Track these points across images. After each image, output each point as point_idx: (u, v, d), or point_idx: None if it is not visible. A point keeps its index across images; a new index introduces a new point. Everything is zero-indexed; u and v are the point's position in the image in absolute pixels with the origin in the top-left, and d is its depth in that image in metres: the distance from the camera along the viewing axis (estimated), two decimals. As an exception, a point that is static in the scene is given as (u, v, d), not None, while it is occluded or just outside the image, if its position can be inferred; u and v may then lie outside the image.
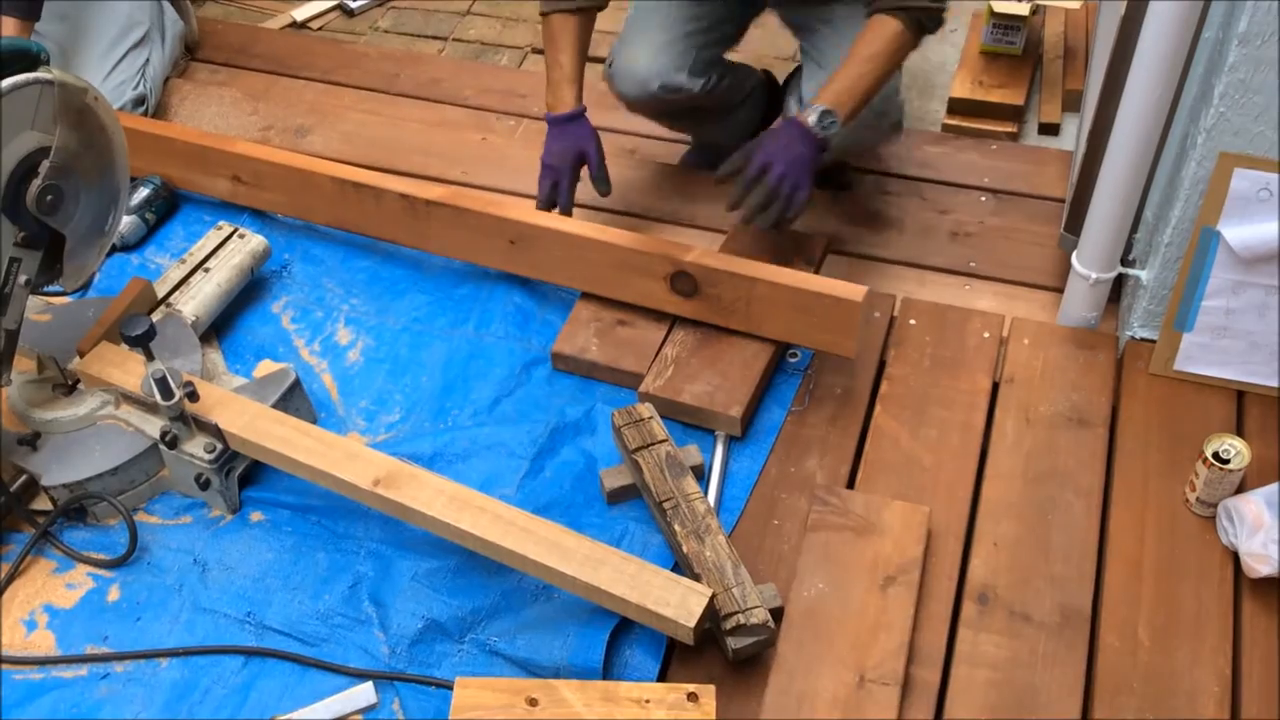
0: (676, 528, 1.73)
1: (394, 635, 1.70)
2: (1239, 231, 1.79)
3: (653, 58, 2.11)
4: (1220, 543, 1.75)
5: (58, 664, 1.70)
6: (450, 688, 1.59)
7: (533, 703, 1.55)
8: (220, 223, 2.21)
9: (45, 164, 1.68)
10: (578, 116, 2.08)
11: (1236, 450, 1.73)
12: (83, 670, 1.69)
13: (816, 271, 2.12)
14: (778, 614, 1.67)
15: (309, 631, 1.72)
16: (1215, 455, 1.73)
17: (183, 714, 1.64)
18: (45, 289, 1.83)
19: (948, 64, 2.96)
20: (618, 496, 1.85)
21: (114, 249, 2.26)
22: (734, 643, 1.63)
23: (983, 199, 2.40)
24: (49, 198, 1.69)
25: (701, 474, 1.87)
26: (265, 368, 2.09)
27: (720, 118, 2.32)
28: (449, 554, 1.76)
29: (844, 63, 1.93)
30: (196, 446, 1.81)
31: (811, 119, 1.89)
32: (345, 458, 1.75)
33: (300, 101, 2.71)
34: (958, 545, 1.78)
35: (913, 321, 2.10)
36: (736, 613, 1.62)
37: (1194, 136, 1.77)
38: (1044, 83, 2.83)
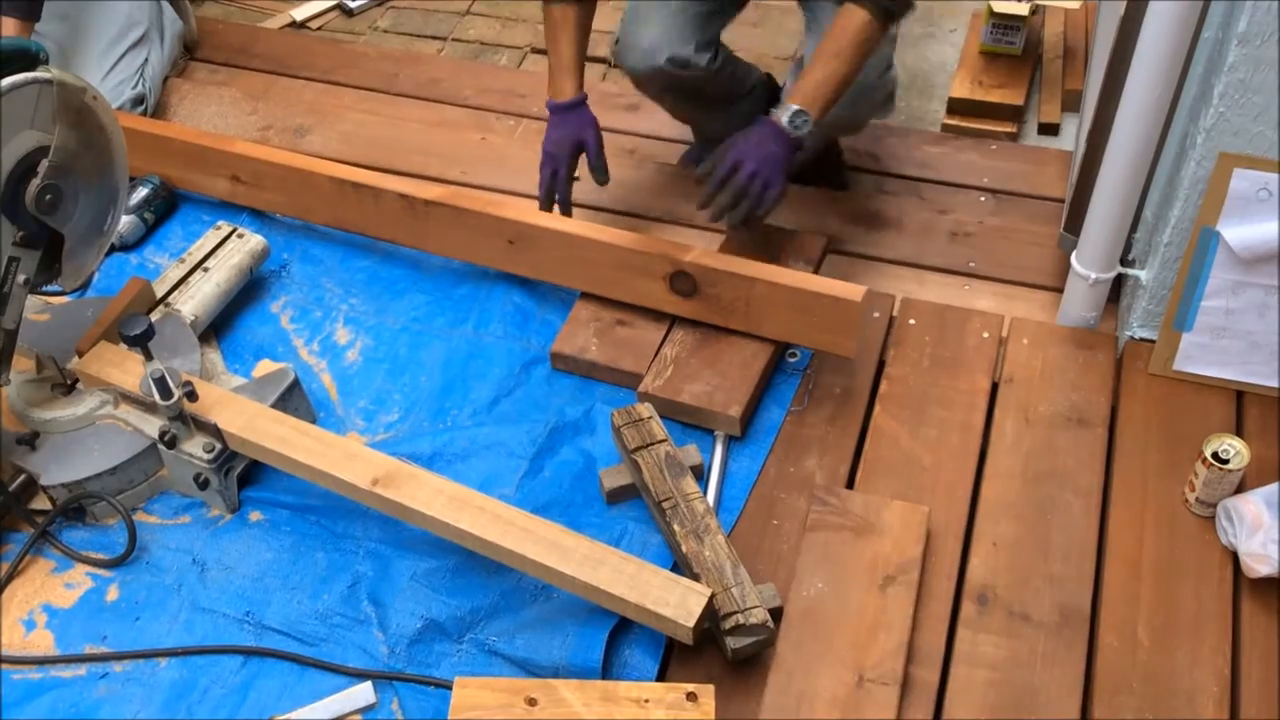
0: (676, 527, 1.73)
1: (393, 635, 1.70)
2: (1238, 231, 1.79)
3: (661, 31, 2.11)
4: (1219, 543, 1.75)
5: (56, 664, 1.70)
6: (449, 687, 1.59)
7: (532, 702, 1.55)
8: (219, 222, 2.21)
9: (44, 163, 1.68)
10: (578, 104, 2.09)
11: (1236, 450, 1.73)
12: (81, 670, 1.69)
13: (816, 271, 2.12)
14: (777, 614, 1.67)
15: (308, 631, 1.72)
16: (1214, 455, 1.72)
17: (181, 714, 1.64)
18: (44, 288, 1.83)
19: (947, 64, 2.96)
20: (617, 496, 1.85)
21: (113, 248, 2.26)
22: (733, 642, 1.63)
23: (982, 199, 2.40)
24: (48, 197, 1.69)
25: (701, 474, 1.87)
26: (264, 367, 2.09)
27: (724, 107, 2.32)
28: (448, 554, 1.76)
29: (813, 59, 1.93)
30: (195, 446, 1.81)
31: (784, 118, 1.90)
32: (344, 457, 1.75)
33: (299, 101, 2.70)
34: (957, 545, 1.78)
35: (912, 321, 2.10)
36: (736, 612, 1.62)
37: (1193, 136, 1.77)
38: (1043, 83, 2.83)
